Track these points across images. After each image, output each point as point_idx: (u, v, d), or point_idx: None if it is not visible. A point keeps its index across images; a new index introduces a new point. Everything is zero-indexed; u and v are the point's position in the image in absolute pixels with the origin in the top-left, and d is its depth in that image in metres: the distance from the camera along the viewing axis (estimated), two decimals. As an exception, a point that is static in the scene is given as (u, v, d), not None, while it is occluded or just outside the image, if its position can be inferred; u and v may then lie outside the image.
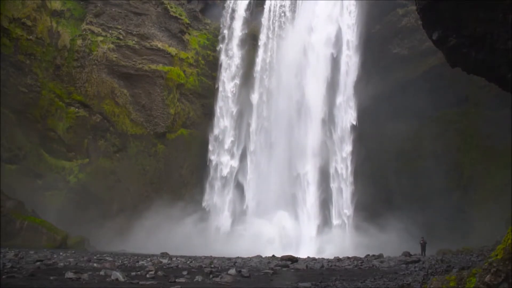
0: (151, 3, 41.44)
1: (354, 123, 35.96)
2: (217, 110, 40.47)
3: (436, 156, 34.80)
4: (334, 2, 38.24)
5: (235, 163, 39.27)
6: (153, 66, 40.31)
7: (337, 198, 35.31)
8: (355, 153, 35.51)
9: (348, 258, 23.95)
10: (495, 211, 29.60)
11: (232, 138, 39.61)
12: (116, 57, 39.68)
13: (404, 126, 35.98)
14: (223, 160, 39.40)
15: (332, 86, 36.57)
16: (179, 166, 40.61)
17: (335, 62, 36.91)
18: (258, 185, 37.43)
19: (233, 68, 40.90)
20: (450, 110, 36.34)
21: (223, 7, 43.16)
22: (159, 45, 40.82)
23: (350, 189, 35.30)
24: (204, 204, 38.97)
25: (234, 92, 40.33)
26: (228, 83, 40.70)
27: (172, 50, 41.16)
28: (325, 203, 35.26)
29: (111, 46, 39.69)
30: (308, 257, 25.11)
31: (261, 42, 40.47)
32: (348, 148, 35.82)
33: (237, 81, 40.65)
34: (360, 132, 36.05)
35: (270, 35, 40.39)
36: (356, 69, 36.76)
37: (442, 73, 32.28)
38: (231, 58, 41.23)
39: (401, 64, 37.60)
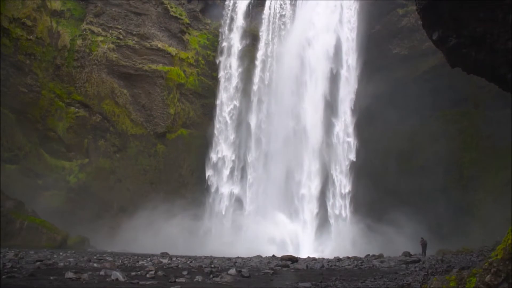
0: (151, 3, 41.44)
1: (353, 159, 35.46)
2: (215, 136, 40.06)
3: (436, 156, 34.80)
4: (333, 9, 37.81)
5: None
6: (153, 66, 40.31)
7: (337, 198, 35.28)
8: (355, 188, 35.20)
9: (348, 258, 23.96)
10: (495, 211, 29.61)
11: (231, 164, 39.38)
12: (116, 57, 39.68)
13: (404, 126, 35.97)
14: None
15: (331, 108, 36.20)
16: (179, 166, 40.61)
17: (334, 78, 36.50)
18: (259, 186, 37.54)
19: (232, 91, 40.51)
20: (450, 110, 36.34)
21: (223, 7, 43.16)
22: (159, 45, 40.82)
23: (350, 188, 35.28)
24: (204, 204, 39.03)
25: (232, 116, 39.94)
26: (227, 105, 40.35)
27: (172, 50, 41.16)
28: (325, 203, 35.24)
29: (111, 46, 39.70)
30: (308, 257, 25.11)
31: (258, 59, 39.95)
32: (347, 185, 35.46)
33: (236, 102, 40.24)
34: (360, 132, 36.04)
35: (270, 38, 40.25)
36: (355, 83, 36.44)
37: (442, 73, 32.24)
38: (229, 79, 40.79)
39: (401, 64, 37.60)
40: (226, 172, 39.10)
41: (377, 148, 36.05)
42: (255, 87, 39.65)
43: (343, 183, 35.39)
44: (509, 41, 8.01)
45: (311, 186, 34.95)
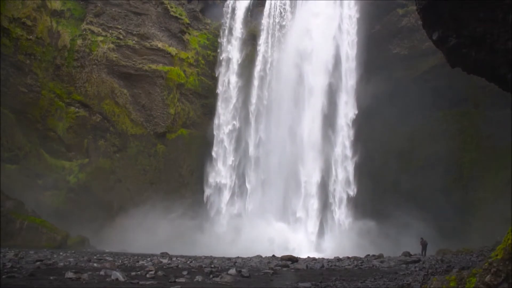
0: (151, 3, 41.44)
1: (352, 184, 35.11)
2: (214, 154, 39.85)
3: (436, 156, 34.80)
4: (332, 16, 37.53)
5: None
6: (153, 66, 40.31)
7: (337, 198, 35.28)
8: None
9: (348, 258, 23.95)
10: (495, 211, 29.59)
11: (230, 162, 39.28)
12: (116, 57, 39.68)
13: (404, 126, 35.97)
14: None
15: (329, 123, 36.08)
16: (179, 166, 40.61)
17: (332, 92, 36.18)
18: (259, 188, 37.58)
19: (231, 110, 40.29)
20: (450, 110, 36.33)
21: (223, 7, 43.16)
22: (159, 45, 40.81)
23: (350, 188, 35.27)
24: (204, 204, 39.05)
25: (232, 140, 39.70)
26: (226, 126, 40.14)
27: (172, 50, 41.15)
28: (325, 203, 35.23)
29: (111, 46, 39.69)
30: (308, 257, 25.10)
31: (256, 76, 39.66)
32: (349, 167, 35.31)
33: (236, 123, 39.94)
34: (360, 132, 36.03)
35: (270, 40, 40.15)
36: (354, 100, 36.19)
37: (442, 73, 32.22)
38: (228, 87, 40.61)
39: (401, 64, 37.59)
40: (226, 195, 38.82)
41: (377, 148, 36.06)
42: (252, 108, 39.38)
43: (343, 191, 35.26)
44: (509, 41, 8.01)
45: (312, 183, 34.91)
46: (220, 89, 41.08)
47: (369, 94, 34.57)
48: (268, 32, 40.50)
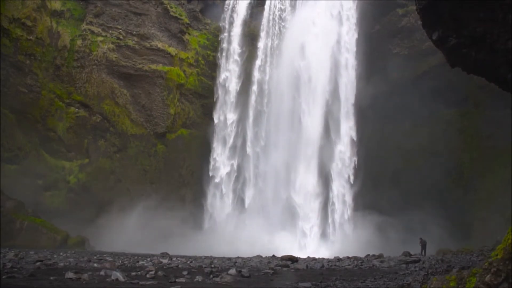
0: (151, 3, 41.43)
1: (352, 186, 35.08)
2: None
3: (436, 156, 34.79)
4: (331, 22, 37.44)
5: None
6: (153, 66, 40.30)
7: (337, 198, 35.28)
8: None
9: (348, 258, 23.96)
10: (495, 211, 29.59)
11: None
12: (116, 57, 39.67)
13: (404, 126, 35.97)
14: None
15: (330, 121, 36.00)
16: (179, 166, 40.61)
17: (333, 98, 36.13)
18: (258, 186, 37.58)
19: (230, 121, 40.20)
20: (450, 110, 36.32)
21: (223, 7, 43.15)
22: (159, 45, 40.81)
23: (350, 188, 35.28)
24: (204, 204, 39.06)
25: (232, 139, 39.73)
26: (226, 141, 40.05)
27: (172, 50, 41.15)
28: (325, 203, 35.23)
29: (111, 46, 39.68)
30: (308, 257, 25.11)
31: (255, 85, 39.57)
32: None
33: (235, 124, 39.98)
34: (360, 132, 36.03)
35: (269, 40, 40.14)
36: (354, 103, 36.09)
37: (442, 73, 32.21)
38: (228, 93, 40.58)
39: (401, 64, 37.58)
40: (226, 194, 38.78)
41: (377, 148, 36.05)
42: (250, 121, 39.33)
43: (344, 191, 35.21)
44: (509, 41, 8.01)
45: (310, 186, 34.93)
46: (219, 89, 41.06)
47: (369, 94, 34.57)
48: (268, 32, 40.51)
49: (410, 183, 34.56)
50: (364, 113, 35.68)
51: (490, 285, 6.47)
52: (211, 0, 44.07)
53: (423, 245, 28.49)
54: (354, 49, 37.14)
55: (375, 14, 37.62)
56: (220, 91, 40.95)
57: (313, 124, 35.51)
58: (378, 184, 35.23)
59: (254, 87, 39.73)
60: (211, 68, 42.32)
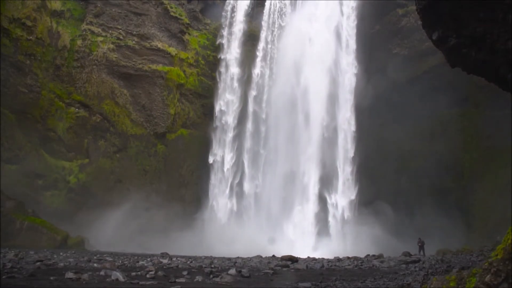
0: (151, 3, 41.44)
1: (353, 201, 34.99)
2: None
3: (436, 156, 34.78)
4: (330, 27, 37.33)
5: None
6: (153, 66, 40.31)
7: (337, 197, 35.27)
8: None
9: (348, 258, 23.95)
10: (495, 211, 29.59)
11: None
12: (116, 57, 39.68)
13: (404, 126, 35.95)
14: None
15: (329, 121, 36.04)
16: (179, 166, 40.61)
17: (332, 100, 36.14)
18: (258, 187, 37.62)
19: (231, 121, 40.22)
20: (450, 110, 36.30)
21: (223, 7, 43.14)
22: (159, 45, 40.81)
23: (351, 188, 35.27)
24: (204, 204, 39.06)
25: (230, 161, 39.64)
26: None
27: (172, 50, 41.15)
28: (325, 203, 35.23)
29: (111, 46, 39.69)
30: (308, 257, 25.10)
31: (255, 76, 39.59)
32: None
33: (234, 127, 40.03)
34: (360, 132, 36.03)
35: (269, 41, 40.10)
36: (354, 103, 36.06)
37: (442, 73, 32.21)
38: (230, 94, 40.59)
39: (401, 64, 37.58)
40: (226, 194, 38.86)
41: (377, 148, 36.04)
42: (249, 125, 39.35)
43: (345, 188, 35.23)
44: (509, 41, 8.01)
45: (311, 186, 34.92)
46: (220, 87, 41.08)
47: (369, 94, 34.58)
48: (268, 32, 40.50)
49: (410, 183, 34.55)
50: (364, 113, 35.69)
51: (490, 285, 6.47)
52: (211, 0, 44.07)
53: (421, 245, 28.51)
54: (354, 50, 37.13)
55: (375, 14, 37.62)
56: (217, 122, 40.75)
57: (315, 112, 35.42)
58: (378, 184, 35.21)
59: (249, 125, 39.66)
60: (211, 68, 42.34)
